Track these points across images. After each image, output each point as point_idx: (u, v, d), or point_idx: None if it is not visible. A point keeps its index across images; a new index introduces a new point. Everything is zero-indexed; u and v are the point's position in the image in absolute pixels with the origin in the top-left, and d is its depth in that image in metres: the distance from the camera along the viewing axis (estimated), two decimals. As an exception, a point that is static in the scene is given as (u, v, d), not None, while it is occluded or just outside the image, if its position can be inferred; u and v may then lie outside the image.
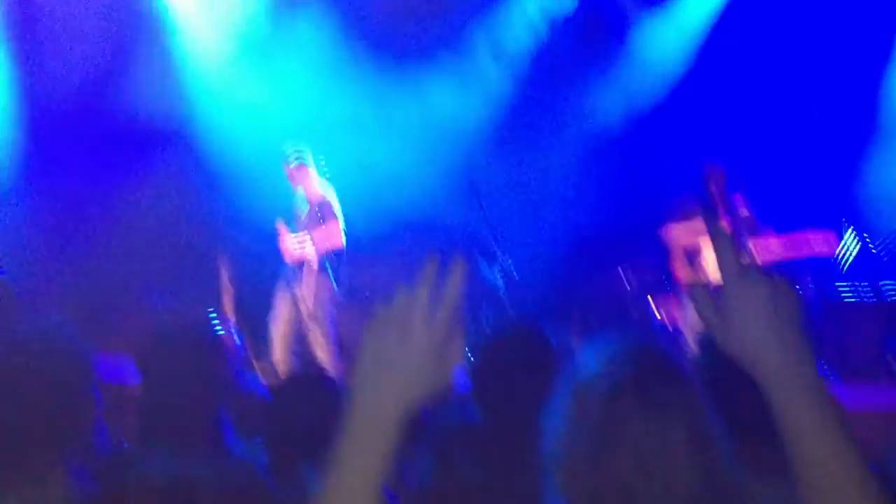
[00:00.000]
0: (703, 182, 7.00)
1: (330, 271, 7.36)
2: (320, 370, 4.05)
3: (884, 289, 7.75)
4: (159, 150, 8.83)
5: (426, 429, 2.55)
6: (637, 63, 9.48)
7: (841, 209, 8.10)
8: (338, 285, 7.41)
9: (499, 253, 8.63)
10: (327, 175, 7.69)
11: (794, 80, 8.87)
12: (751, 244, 6.83)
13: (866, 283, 7.80)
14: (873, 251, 7.67)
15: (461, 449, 2.39)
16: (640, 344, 1.51)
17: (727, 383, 1.96)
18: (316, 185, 7.56)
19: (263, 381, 6.68)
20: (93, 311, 7.99)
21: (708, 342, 2.10)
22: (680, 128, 9.02)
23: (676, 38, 9.51)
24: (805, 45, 8.82)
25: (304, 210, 7.58)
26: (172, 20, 9.18)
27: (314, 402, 2.93)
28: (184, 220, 8.91)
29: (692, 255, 6.93)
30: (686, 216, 6.94)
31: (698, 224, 6.79)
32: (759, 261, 6.77)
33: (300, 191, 7.58)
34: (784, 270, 7.35)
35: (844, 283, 7.85)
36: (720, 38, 9.29)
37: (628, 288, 8.27)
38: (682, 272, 7.00)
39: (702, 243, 6.81)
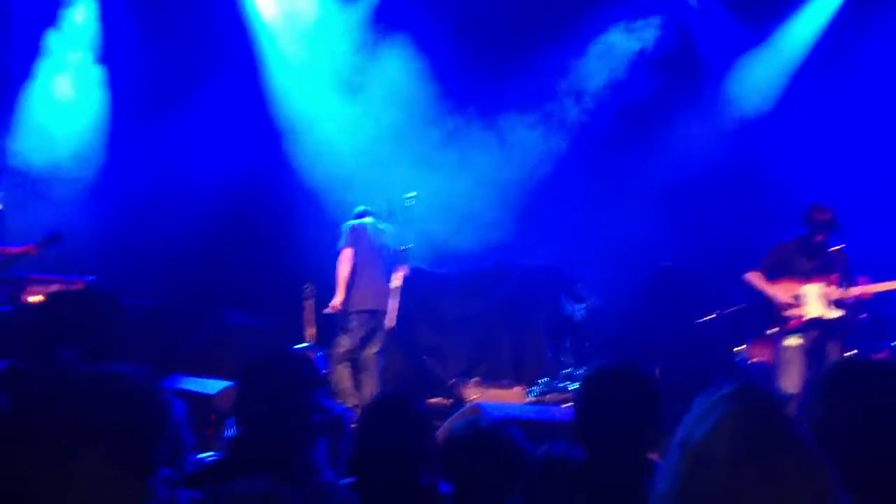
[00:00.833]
0: (807, 223, 6.75)
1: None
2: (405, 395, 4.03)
3: None
4: (248, 163, 9.01)
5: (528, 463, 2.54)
6: (729, 101, 9.32)
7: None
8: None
9: (581, 290, 8.67)
10: (413, 209, 7.75)
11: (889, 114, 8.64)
12: (845, 288, 6.61)
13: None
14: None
15: (562, 482, 2.36)
16: (751, 402, 1.41)
17: (838, 430, 1.88)
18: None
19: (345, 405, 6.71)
20: (171, 326, 8.19)
21: (816, 389, 2.00)
22: (772, 167, 8.83)
23: (770, 76, 9.33)
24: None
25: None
26: (262, 33, 9.43)
27: (399, 426, 2.92)
28: (272, 236, 9.07)
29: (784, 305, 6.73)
30: (788, 256, 6.77)
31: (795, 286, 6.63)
32: (851, 299, 6.58)
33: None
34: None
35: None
36: (814, 75, 9.08)
37: (708, 327, 8.09)
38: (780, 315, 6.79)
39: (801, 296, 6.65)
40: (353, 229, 7.73)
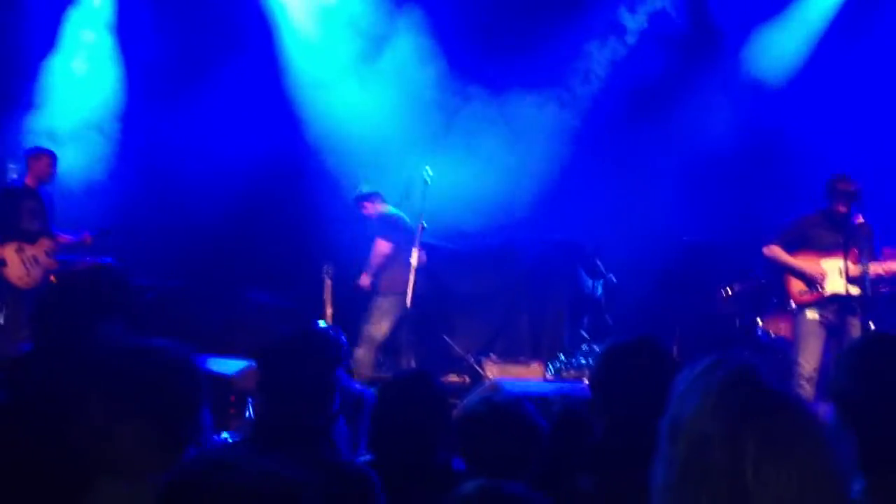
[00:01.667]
0: (829, 194, 6.67)
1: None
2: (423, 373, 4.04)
3: None
4: (267, 142, 9.02)
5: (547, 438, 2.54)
6: (748, 75, 9.21)
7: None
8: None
9: (600, 265, 8.65)
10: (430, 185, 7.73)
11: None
12: (865, 263, 6.53)
13: None
14: None
15: (581, 460, 2.36)
16: (740, 371, 1.37)
17: (867, 405, 1.86)
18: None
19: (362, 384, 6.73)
20: (190, 307, 8.25)
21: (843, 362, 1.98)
22: (792, 141, 8.74)
23: (789, 49, 9.21)
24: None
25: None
26: (282, 18, 9.41)
27: (417, 404, 2.93)
28: (290, 216, 9.10)
29: (809, 277, 6.67)
30: (810, 226, 6.70)
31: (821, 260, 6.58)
32: (874, 275, 6.52)
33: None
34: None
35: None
36: (836, 44, 8.96)
37: (728, 302, 8.05)
38: (797, 290, 6.72)
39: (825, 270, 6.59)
40: (395, 223, 7.92)
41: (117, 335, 2.36)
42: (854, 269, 6.50)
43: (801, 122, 8.73)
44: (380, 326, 7.83)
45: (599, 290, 8.85)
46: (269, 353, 2.68)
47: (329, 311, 7.56)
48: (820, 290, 6.61)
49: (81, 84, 9.22)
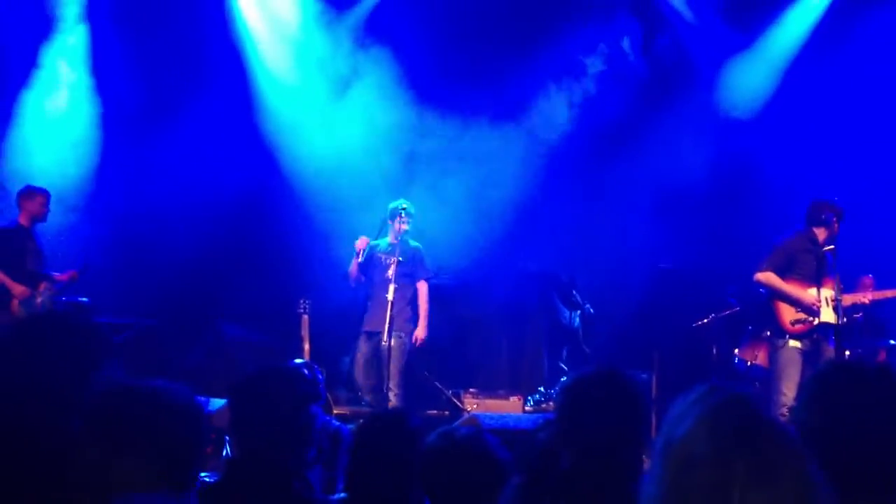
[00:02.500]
0: (812, 219, 6.68)
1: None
2: (399, 411, 4.03)
3: None
4: (242, 177, 9.03)
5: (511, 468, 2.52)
6: (719, 106, 9.34)
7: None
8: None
9: (577, 296, 8.69)
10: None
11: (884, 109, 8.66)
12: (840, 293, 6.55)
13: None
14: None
15: (547, 490, 2.35)
16: (735, 398, 1.40)
17: (830, 434, 1.88)
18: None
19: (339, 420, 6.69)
20: (167, 344, 8.20)
21: (810, 392, 2.00)
22: (763, 170, 8.85)
23: (757, 81, 9.35)
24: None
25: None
26: (254, 56, 9.47)
27: (392, 442, 2.92)
28: (267, 251, 9.09)
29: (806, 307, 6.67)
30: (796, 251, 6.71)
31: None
32: (849, 303, 6.56)
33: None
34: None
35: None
36: (803, 75, 9.11)
37: (704, 329, 8.09)
38: (790, 319, 6.69)
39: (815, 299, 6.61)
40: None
41: (117, 376, 2.34)
42: (837, 298, 6.50)
43: (770, 151, 8.86)
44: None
45: (577, 321, 8.89)
46: (239, 390, 2.67)
47: (307, 346, 7.53)
48: (812, 320, 6.57)
49: (55, 121, 9.21)
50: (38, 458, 2.15)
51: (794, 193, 7.51)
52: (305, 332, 7.58)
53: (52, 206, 7.81)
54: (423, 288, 7.74)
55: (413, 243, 7.77)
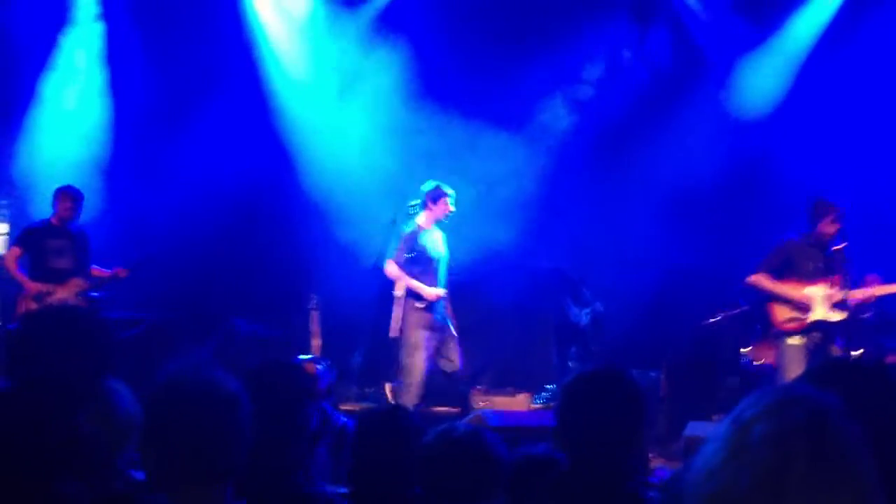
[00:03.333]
0: (813, 218, 6.63)
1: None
2: (399, 406, 4.06)
3: None
4: (253, 174, 9.07)
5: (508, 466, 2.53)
6: (731, 104, 9.31)
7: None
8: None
9: (586, 293, 8.69)
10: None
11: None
12: (847, 290, 6.55)
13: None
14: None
15: (544, 487, 2.37)
16: (814, 398, 1.40)
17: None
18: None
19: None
20: (177, 339, 8.25)
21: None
22: (775, 168, 8.83)
23: (770, 79, 9.31)
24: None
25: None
26: (268, 53, 9.53)
27: (393, 438, 2.94)
28: (277, 246, 9.13)
29: (797, 304, 6.67)
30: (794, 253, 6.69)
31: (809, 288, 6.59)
32: (854, 301, 6.55)
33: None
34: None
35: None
36: (816, 73, 9.06)
37: (713, 329, 8.09)
38: (782, 317, 6.69)
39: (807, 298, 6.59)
40: None
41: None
42: (836, 295, 6.51)
43: (782, 148, 8.82)
44: None
45: (586, 319, 8.88)
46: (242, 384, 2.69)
47: (316, 342, 7.56)
48: (804, 317, 6.59)
49: (69, 118, 9.28)
50: (41, 452, 2.17)
51: (806, 191, 7.45)
52: (315, 328, 7.60)
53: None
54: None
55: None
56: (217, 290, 8.95)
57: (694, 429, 6.22)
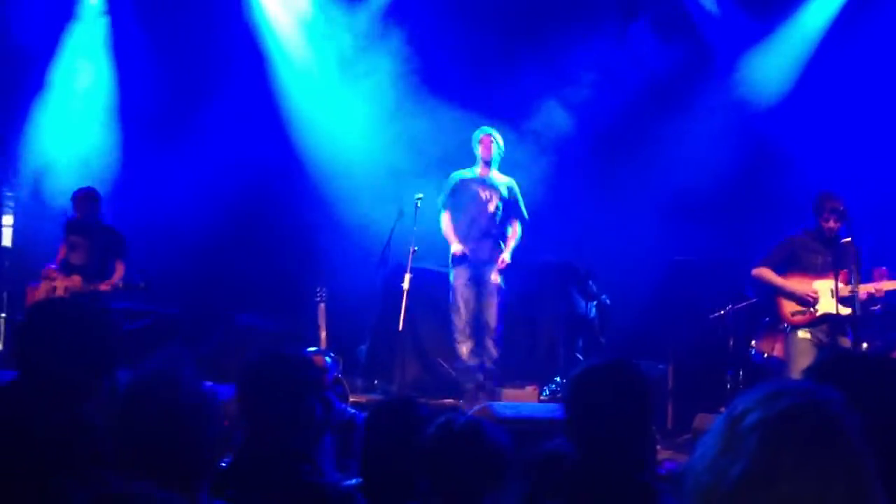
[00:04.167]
0: (817, 212, 6.57)
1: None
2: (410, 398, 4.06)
3: None
4: (259, 169, 9.07)
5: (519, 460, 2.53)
6: (738, 97, 9.28)
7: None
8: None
9: (593, 286, 8.68)
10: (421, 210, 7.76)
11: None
12: (855, 283, 6.52)
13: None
14: None
15: (554, 479, 2.37)
16: (807, 390, 1.39)
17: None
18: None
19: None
20: (184, 332, 8.27)
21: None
22: (782, 161, 8.80)
23: (777, 71, 9.28)
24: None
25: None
26: (274, 46, 9.53)
27: (402, 429, 2.94)
28: (284, 240, 9.14)
29: (802, 298, 6.64)
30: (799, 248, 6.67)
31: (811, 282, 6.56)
32: (862, 295, 6.52)
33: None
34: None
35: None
36: (824, 65, 9.03)
37: (720, 321, 8.07)
38: (790, 311, 6.67)
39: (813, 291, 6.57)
40: None
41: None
42: (844, 289, 6.49)
43: (790, 142, 8.79)
44: None
45: (593, 312, 8.87)
46: (244, 376, 2.70)
47: (323, 334, 7.58)
48: (812, 310, 6.58)
49: (76, 112, 9.30)
50: (44, 444, 2.18)
51: (813, 185, 7.43)
52: (322, 321, 7.62)
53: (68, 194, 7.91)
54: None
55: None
56: (224, 282, 8.98)
57: (702, 421, 6.22)
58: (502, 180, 7.82)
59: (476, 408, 6.20)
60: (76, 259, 7.66)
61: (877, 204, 7.76)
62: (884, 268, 7.64)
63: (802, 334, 6.57)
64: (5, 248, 9.40)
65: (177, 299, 8.65)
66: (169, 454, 2.06)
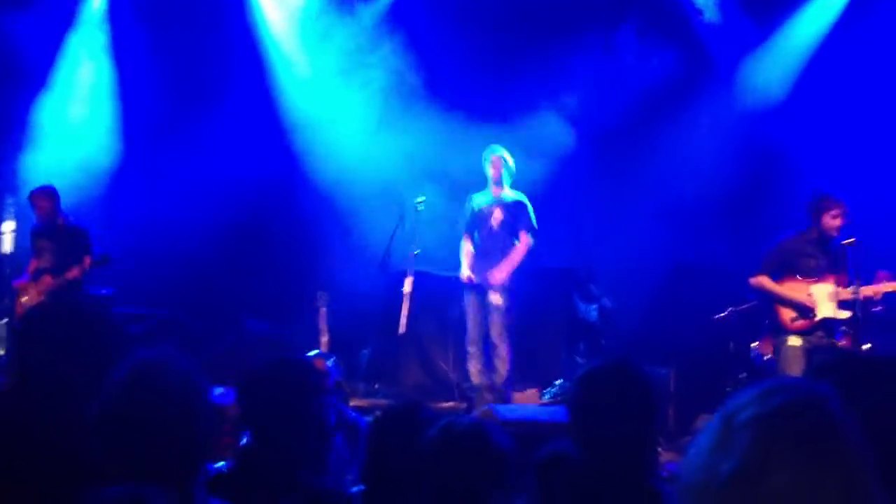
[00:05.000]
0: (814, 215, 6.55)
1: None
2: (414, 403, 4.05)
3: None
4: (261, 172, 9.08)
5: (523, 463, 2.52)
6: (740, 100, 9.29)
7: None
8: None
9: (594, 289, 8.69)
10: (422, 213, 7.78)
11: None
12: (854, 287, 6.47)
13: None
14: None
15: (559, 482, 2.38)
16: (799, 387, 1.40)
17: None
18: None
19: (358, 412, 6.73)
20: (187, 332, 8.28)
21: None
22: (783, 164, 8.81)
23: (777, 75, 9.28)
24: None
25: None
26: (269, 36, 9.58)
27: (406, 435, 2.93)
28: (285, 244, 9.14)
29: (800, 306, 6.60)
30: (796, 250, 6.63)
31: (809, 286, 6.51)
32: (861, 298, 6.48)
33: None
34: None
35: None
36: (824, 69, 9.03)
37: (721, 324, 8.07)
38: (789, 317, 6.65)
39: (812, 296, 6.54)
40: None
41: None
42: (843, 293, 6.44)
43: (789, 145, 8.80)
44: None
45: (594, 315, 8.88)
46: (246, 381, 2.70)
47: (324, 339, 7.58)
48: (812, 316, 6.52)
49: (77, 115, 9.32)
50: (45, 446, 2.17)
51: (813, 188, 7.43)
52: (323, 325, 7.63)
53: (70, 200, 7.92)
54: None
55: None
56: (225, 286, 8.99)
57: (704, 423, 6.21)
58: (512, 196, 7.81)
59: (480, 410, 6.21)
60: (45, 263, 7.69)
61: (878, 207, 7.75)
62: (886, 270, 7.63)
63: (793, 341, 6.48)
64: (5, 255, 9.41)
65: (178, 303, 8.65)
66: (158, 444, 2.04)
